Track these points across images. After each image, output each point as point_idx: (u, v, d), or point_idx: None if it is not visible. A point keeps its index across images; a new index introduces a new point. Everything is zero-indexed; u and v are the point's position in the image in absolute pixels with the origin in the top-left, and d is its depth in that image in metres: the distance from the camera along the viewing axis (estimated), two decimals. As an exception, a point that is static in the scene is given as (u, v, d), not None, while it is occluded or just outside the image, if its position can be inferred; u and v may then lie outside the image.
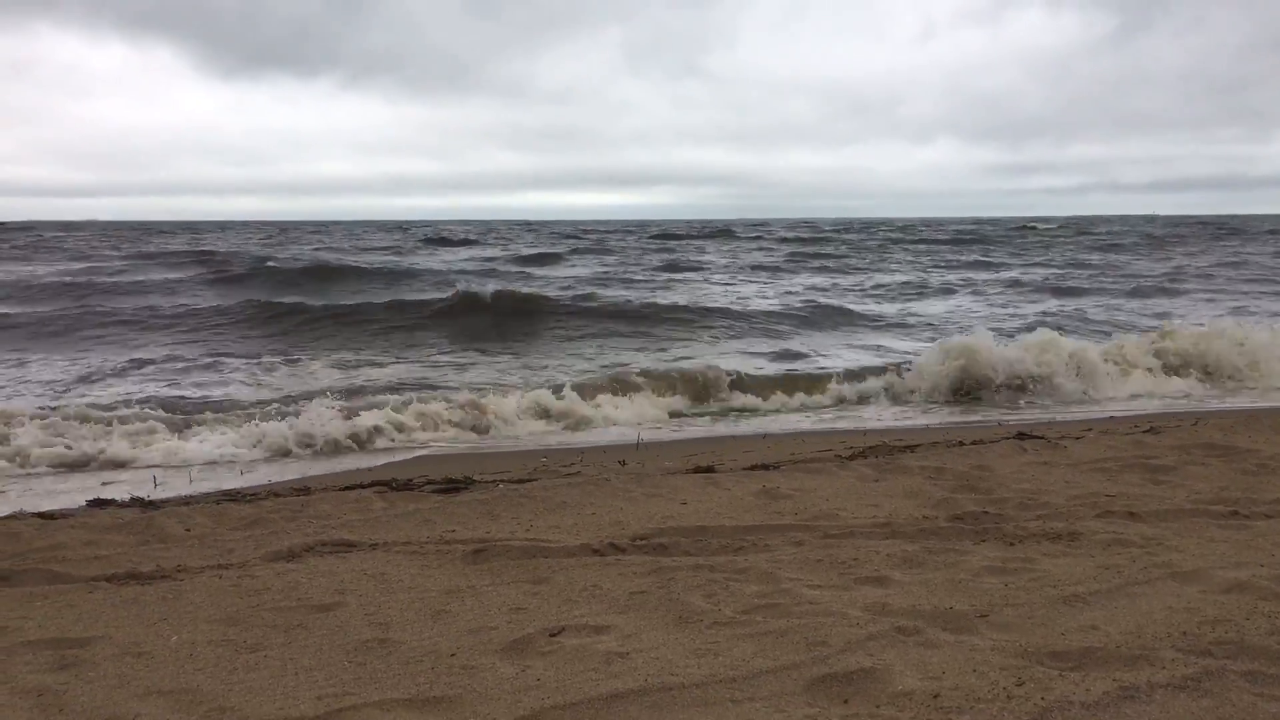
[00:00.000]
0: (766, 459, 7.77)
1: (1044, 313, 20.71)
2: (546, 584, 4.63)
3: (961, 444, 8.11)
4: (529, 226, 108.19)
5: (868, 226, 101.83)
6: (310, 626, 4.11)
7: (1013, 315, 21.43)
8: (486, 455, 9.36)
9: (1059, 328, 16.47)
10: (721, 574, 4.69)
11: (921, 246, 53.81)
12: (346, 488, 6.93)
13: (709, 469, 7.23)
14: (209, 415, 10.55)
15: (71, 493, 7.76)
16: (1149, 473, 6.81)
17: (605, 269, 36.54)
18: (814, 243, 58.65)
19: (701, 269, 37.15)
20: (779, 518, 5.80)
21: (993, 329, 16.05)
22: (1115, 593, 4.28)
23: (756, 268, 37.94)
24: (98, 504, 6.69)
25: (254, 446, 9.46)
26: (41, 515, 6.28)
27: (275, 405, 10.91)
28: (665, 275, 33.91)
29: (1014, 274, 33.95)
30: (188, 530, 5.77)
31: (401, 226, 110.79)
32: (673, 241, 61.55)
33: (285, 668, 3.68)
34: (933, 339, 16.77)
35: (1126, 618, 3.98)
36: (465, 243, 60.04)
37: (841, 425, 10.90)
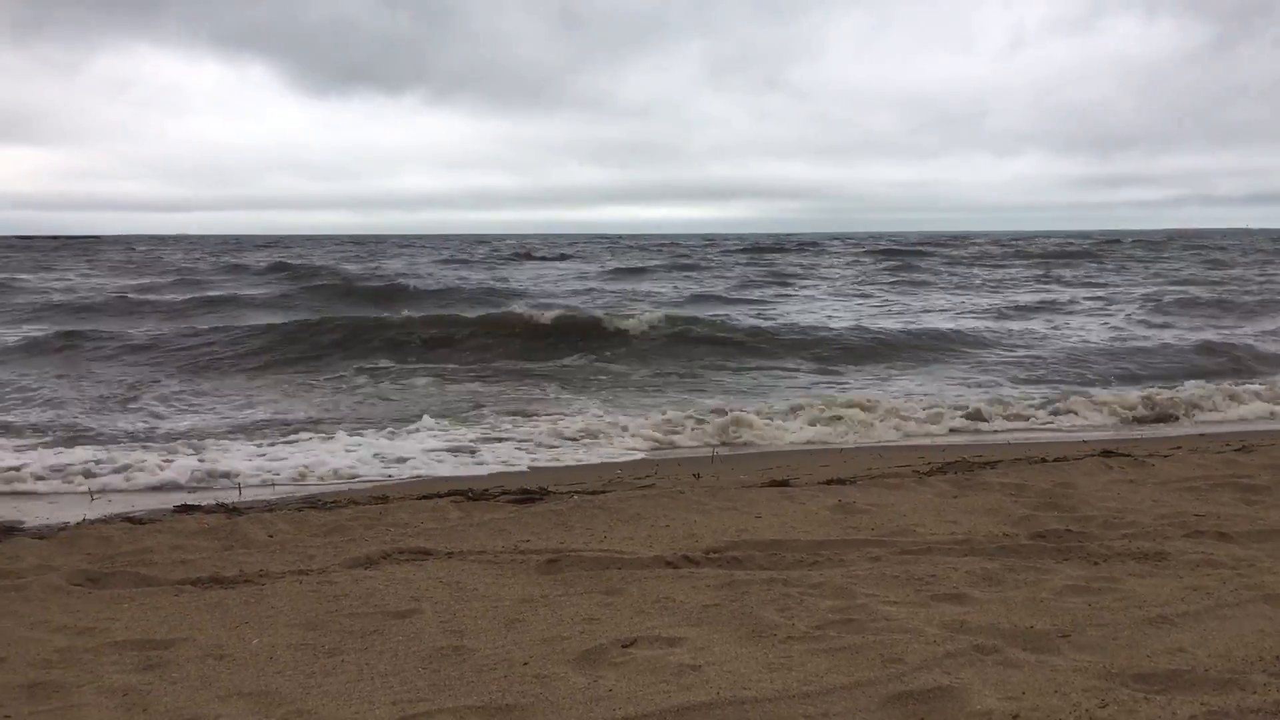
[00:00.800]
0: (842, 473, 7.68)
1: (1205, 343, 18.43)
2: (619, 595, 4.64)
3: (1044, 461, 7.94)
4: (614, 241, 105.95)
5: (956, 239, 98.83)
6: (386, 633, 4.16)
7: (1179, 340, 18.76)
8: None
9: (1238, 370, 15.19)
10: (795, 588, 4.64)
11: (1021, 262, 49.82)
12: (423, 496, 7.01)
13: (784, 483, 7.18)
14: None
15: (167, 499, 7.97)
16: (1241, 492, 6.60)
17: (707, 286, 34.93)
18: (903, 254, 56.30)
19: (809, 285, 35.45)
20: (854, 532, 5.73)
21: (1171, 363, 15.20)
22: (1204, 615, 4.15)
23: (866, 282, 36.37)
24: (184, 509, 6.86)
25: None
26: (130, 520, 6.46)
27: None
28: (779, 291, 32.34)
29: (1144, 290, 31.19)
30: (270, 536, 5.89)
31: (483, 241, 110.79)
32: (770, 255, 59.37)
33: (362, 673, 3.73)
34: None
35: (1215, 640, 3.85)
36: (559, 257, 58.67)
37: (920, 442, 10.73)
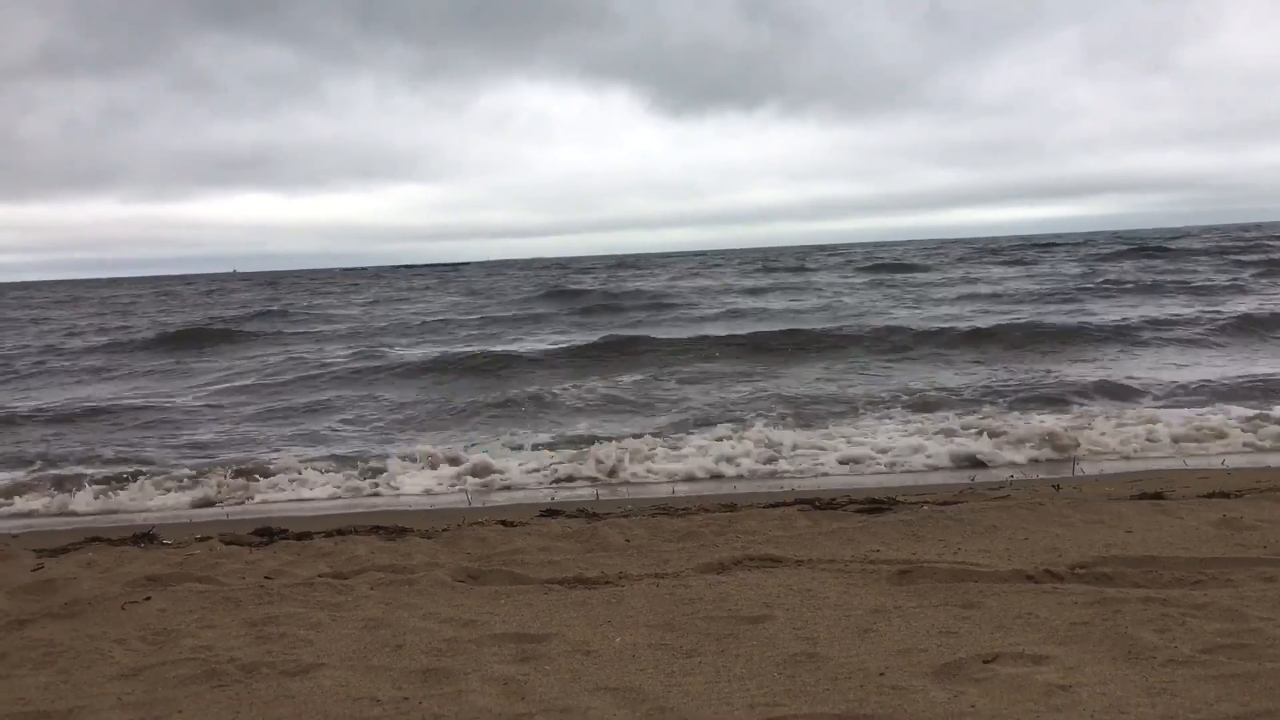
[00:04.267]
0: (1226, 486, 6.99)
1: None
2: (977, 609, 4.46)
3: None
4: (971, 244, 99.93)
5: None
6: (740, 637, 4.23)
7: None
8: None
9: None
10: (1176, 608, 4.27)
11: None
12: (771, 505, 7.08)
13: (1157, 495, 6.63)
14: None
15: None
16: None
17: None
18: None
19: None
20: (1243, 550, 5.19)
21: None
22: None
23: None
24: (549, 514, 7.31)
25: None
26: (503, 523, 6.96)
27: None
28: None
29: None
30: (627, 540, 6.15)
31: (824, 250, 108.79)
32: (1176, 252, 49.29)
33: (719, 674, 3.81)
34: None
35: None
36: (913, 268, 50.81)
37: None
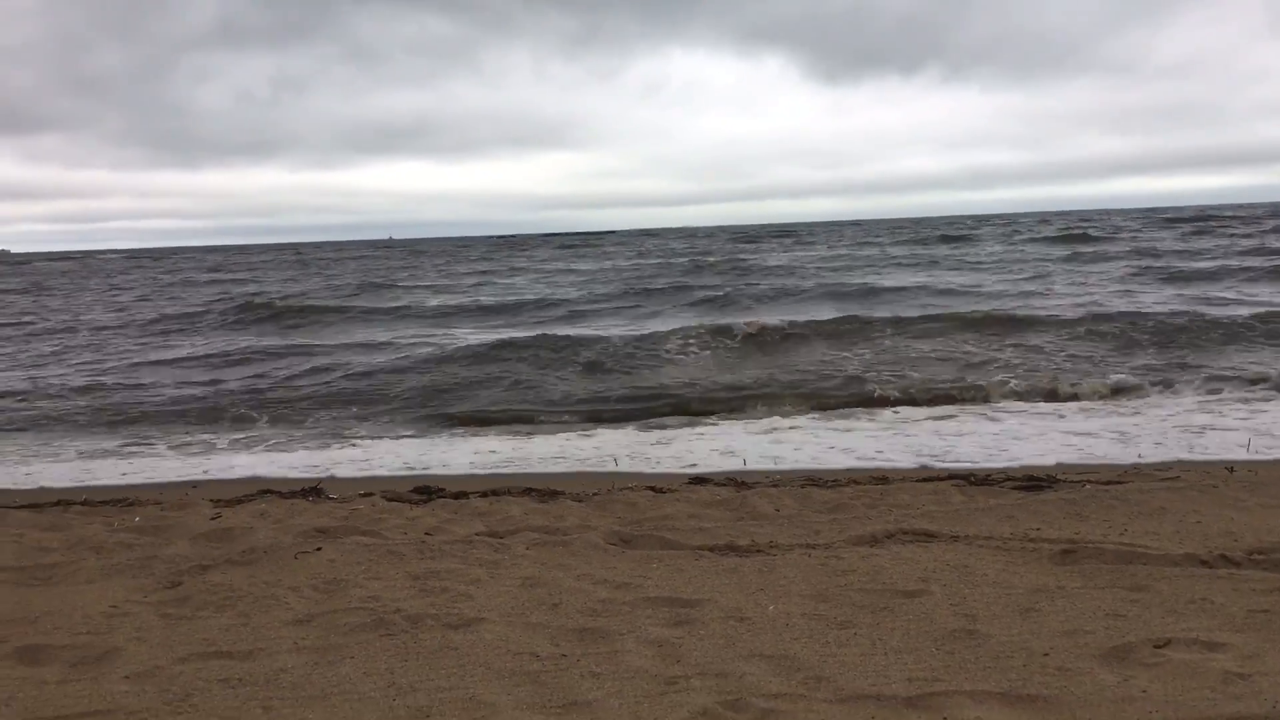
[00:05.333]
0: None
1: None
2: (1145, 592, 4.29)
3: None
4: (1141, 215, 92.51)
5: None
6: (896, 610, 4.18)
7: None
8: None
9: None
10: (1367, 600, 4.03)
11: None
12: (923, 479, 6.96)
13: (1343, 481, 6.26)
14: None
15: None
16: None
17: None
18: None
19: None
20: None
21: None
22: None
23: None
24: (697, 481, 7.35)
25: None
26: (652, 489, 7.03)
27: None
28: None
29: None
30: (777, 510, 6.14)
31: (981, 220, 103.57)
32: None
33: (874, 647, 3.78)
34: None
35: None
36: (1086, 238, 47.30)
37: None
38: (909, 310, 20.06)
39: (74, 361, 18.70)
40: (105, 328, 24.81)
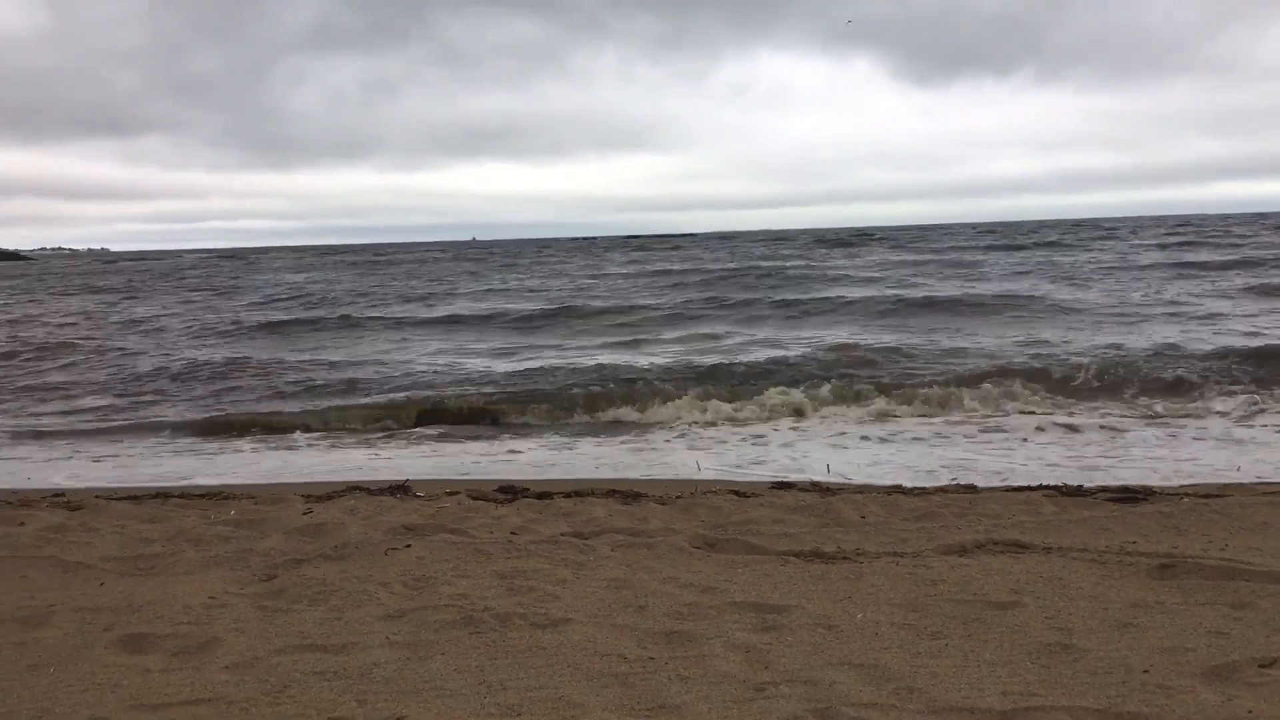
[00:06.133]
0: None
1: None
2: (1249, 609, 4.16)
3: None
4: (1248, 220, 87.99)
5: None
6: (988, 622, 4.11)
7: None
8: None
9: None
10: None
11: None
12: (1014, 489, 6.83)
13: None
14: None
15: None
16: None
17: None
18: None
19: None
20: None
21: None
22: None
23: None
24: (781, 486, 7.31)
25: None
26: (735, 493, 7.01)
27: None
28: None
29: None
30: (862, 517, 6.08)
31: (1077, 225, 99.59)
32: None
33: (967, 659, 3.72)
34: None
35: None
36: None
37: None
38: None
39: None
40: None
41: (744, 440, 10.42)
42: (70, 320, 27.94)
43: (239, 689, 3.57)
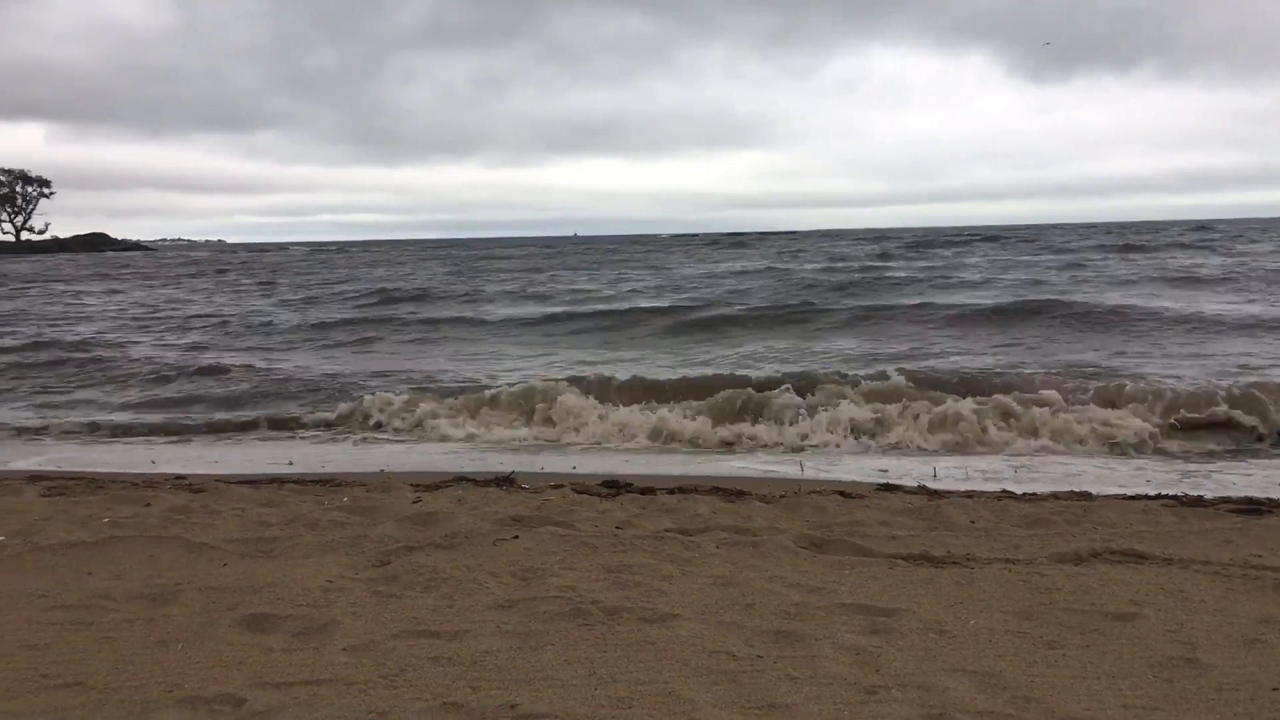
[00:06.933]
0: None
1: None
2: (1387, 631, 3.98)
3: None
4: None
5: None
6: (1107, 633, 4.00)
7: None
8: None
9: None
10: None
11: None
12: (1130, 497, 6.65)
13: None
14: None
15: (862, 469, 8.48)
16: None
17: None
18: None
19: None
20: None
21: None
22: None
23: None
24: (887, 488, 7.22)
25: None
26: (840, 493, 6.95)
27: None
28: None
29: None
30: (972, 522, 5.97)
31: (1202, 226, 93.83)
32: None
33: (1085, 670, 3.63)
34: None
35: None
36: None
37: None
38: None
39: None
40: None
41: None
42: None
43: (357, 671, 3.67)
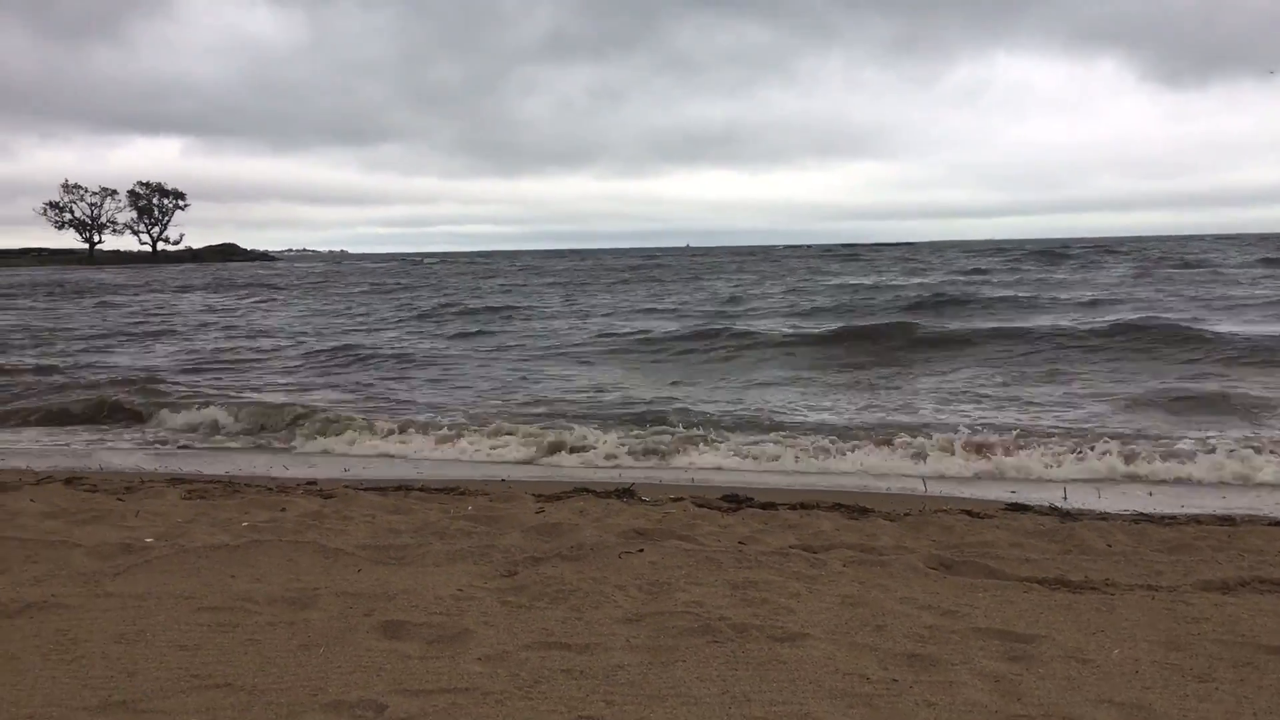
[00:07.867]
0: None
1: None
2: None
3: None
4: None
5: None
6: (1262, 667, 3.83)
7: None
8: None
9: None
10: None
11: None
12: (1276, 523, 6.35)
13: None
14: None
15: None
16: None
17: None
18: None
19: None
20: None
21: None
22: None
23: None
24: (1016, 508, 7.05)
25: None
26: (968, 512, 6.80)
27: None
28: None
29: None
30: (1108, 545, 5.78)
31: None
32: None
33: (1240, 705, 3.48)
34: None
35: None
36: None
37: None
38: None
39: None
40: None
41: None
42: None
43: (493, 681, 3.72)
